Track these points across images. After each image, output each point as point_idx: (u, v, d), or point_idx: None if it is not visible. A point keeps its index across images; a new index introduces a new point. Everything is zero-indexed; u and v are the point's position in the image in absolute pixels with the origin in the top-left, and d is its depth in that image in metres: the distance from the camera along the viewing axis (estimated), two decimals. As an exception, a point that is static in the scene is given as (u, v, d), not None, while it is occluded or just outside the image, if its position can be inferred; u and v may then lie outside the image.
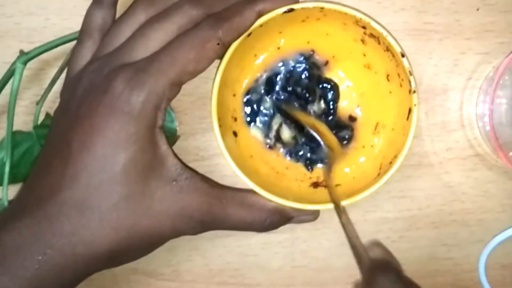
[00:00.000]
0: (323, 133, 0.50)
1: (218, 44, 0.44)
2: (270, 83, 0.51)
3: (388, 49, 0.47)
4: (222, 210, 0.46)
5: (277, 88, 0.51)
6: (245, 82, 0.51)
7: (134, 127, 0.42)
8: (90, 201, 0.42)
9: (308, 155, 0.51)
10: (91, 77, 0.44)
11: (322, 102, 0.51)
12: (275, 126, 0.51)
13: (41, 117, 0.51)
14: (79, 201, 0.42)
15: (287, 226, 0.49)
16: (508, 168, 0.49)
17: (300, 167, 0.51)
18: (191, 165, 0.47)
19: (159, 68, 0.42)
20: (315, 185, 0.50)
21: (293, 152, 0.51)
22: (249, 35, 0.46)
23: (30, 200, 0.43)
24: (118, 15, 0.47)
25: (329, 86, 0.51)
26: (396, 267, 0.49)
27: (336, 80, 0.51)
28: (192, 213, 0.45)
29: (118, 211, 0.43)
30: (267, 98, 0.51)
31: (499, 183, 0.53)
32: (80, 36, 0.47)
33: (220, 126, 0.47)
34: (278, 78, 0.51)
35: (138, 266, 0.53)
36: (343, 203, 0.46)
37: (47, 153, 0.45)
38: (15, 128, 0.50)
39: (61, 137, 0.44)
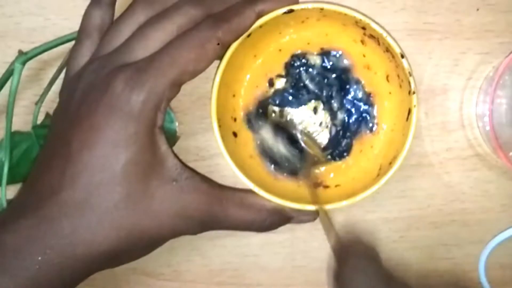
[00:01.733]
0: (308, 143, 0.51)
1: (218, 44, 0.44)
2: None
3: (387, 49, 0.47)
4: (222, 210, 0.46)
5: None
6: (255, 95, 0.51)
7: (134, 127, 0.42)
8: (90, 201, 0.42)
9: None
10: (91, 77, 0.44)
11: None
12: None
13: (41, 117, 0.51)
14: (79, 201, 0.42)
15: (287, 226, 0.50)
16: (508, 168, 0.49)
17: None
18: (191, 165, 0.47)
19: (159, 68, 0.42)
20: (315, 185, 0.50)
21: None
22: (249, 35, 0.46)
23: (30, 200, 0.43)
24: (117, 15, 0.47)
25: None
26: (372, 254, 0.49)
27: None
28: (192, 213, 0.45)
29: (119, 211, 0.43)
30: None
31: (499, 183, 0.53)
32: (79, 36, 0.47)
33: (219, 126, 0.47)
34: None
35: (138, 266, 0.52)
36: (343, 203, 0.47)
37: (47, 153, 0.45)
38: (16, 128, 0.50)
39: (61, 137, 0.44)
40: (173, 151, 0.45)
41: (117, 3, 0.47)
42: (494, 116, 0.49)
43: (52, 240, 0.42)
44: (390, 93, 0.50)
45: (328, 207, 0.47)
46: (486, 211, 0.53)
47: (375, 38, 0.48)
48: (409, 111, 0.47)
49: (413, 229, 0.53)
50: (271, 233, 0.49)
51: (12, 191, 0.49)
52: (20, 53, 0.49)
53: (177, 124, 0.51)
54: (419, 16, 0.52)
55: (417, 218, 0.53)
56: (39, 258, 0.42)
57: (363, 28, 0.48)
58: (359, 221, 0.52)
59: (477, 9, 0.52)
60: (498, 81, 0.48)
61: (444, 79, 0.52)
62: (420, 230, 0.53)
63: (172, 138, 0.50)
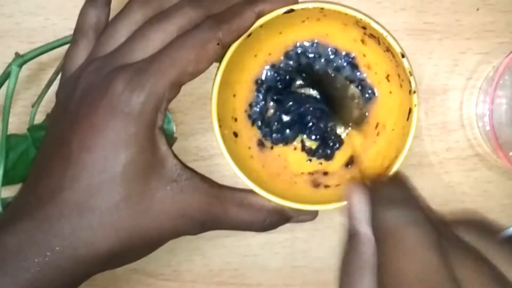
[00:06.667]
0: None
1: (218, 45, 0.44)
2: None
3: (388, 49, 0.47)
4: (222, 210, 0.46)
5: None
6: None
7: (134, 128, 0.42)
8: (90, 202, 0.42)
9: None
10: (90, 77, 0.44)
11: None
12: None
13: (41, 118, 0.51)
14: (80, 202, 0.42)
15: (287, 226, 0.49)
16: (508, 168, 0.49)
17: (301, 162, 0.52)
18: (191, 165, 0.47)
19: (159, 68, 0.42)
20: (315, 185, 0.50)
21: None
22: (249, 35, 0.46)
23: (30, 201, 0.43)
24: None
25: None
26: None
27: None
28: (193, 213, 0.45)
29: (119, 212, 0.43)
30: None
31: (499, 183, 0.53)
32: (74, 36, 0.47)
33: (220, 126, 0.47)
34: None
35: (138, 267, 0.53)
36: (345, 203, 0.47)
37: (46, 154, 0.45)
38: (15, 129, 0.50)
39: (61, 138, 0.44)
40: (173, 152, 0.45)
41: (112, 3, 0.47)
42: (494, 116, 0.49)
43: (52, 241, 0.42)
44: (390, 92, 0.50)
45: (328, 207, 0.47)
46: (486, 211, 0.53)
47: (375, 37, 0.48)
48: (410, 111, 0.47)
49: (413, 229, 0.53)
50: (271, 233, 0.49)
51: (12, 191, 0.49)
52: (17, 55, 0.48)
53: (174, 125, 0.51)
54: (419, 16, 0.52)
55: (417, 218, 0.53)
56: (40, 259, 0.41)
57: (364, 28, 0.47)
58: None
59: (477, 9, 0.52)
60: (498, 81, 0.48)
61: (444, 79, 0.52)
62: (420, 230, 0.53)
63: (169, 139, 0.50)
